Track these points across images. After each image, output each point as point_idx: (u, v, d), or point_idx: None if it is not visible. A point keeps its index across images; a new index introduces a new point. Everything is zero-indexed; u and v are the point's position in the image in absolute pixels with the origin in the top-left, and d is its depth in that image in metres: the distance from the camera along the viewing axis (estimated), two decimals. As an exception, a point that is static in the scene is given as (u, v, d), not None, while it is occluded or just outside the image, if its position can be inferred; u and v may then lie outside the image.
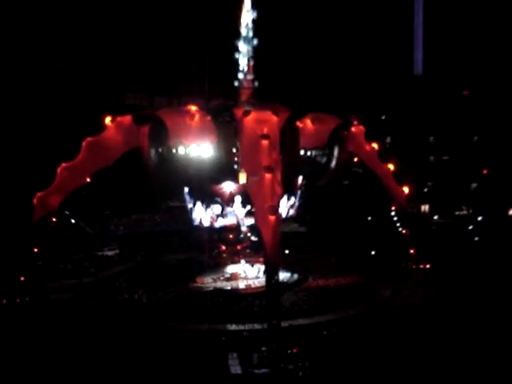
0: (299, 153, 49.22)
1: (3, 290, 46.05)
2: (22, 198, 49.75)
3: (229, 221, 52.15)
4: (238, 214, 51.58)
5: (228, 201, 50.57)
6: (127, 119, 47.81)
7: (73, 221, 57.47)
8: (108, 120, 47.68)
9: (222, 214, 51.59)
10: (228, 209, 51.52)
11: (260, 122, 45.08)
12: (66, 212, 50.11)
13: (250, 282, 51.42)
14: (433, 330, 39.03)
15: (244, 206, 50.99)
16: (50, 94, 73.74)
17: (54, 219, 47.59)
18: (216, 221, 51.93)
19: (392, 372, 33.94)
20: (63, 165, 46.83)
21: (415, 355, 35.51)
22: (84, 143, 47.08)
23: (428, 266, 54.07)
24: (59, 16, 74.96)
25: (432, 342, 37.22)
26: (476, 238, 65.95)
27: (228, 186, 50.14)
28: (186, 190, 52.86)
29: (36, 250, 46.69)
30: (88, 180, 47.49)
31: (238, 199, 50.74)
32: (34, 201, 46.34)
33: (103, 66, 79.94)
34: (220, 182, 50.46)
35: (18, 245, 51.03)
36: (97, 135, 47.45)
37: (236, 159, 48.30)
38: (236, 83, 52.94)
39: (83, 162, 47.12)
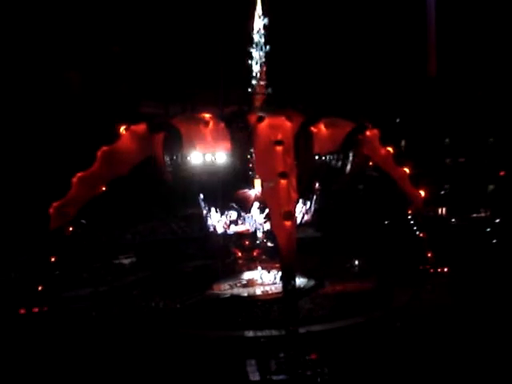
0: (314, 158, 49.08)
1: (21, 299, 46.32)
2: (38, 208, 50.06)
3: (241, 227, 52.17)
4: (255, 220, 51.62)
5: (252, 206, 50.66)
6: (141, 127, 47.95)
7: (88, 228, 57.71)
8: (122, 129, 47.89)
9: (235, 221, 51.65)
10: (246, 215, 51.60)
11: (274, 127, 44.98)
12: (83, 221, 50.23)
13: (267, 288, 51.33)
14: (452, 336, 38.64)
15: (262, 211, 51.01)
16: (64, 103, 74.34)
17: (70, 228, 47.78)
18: (229, 227, 52.00)
19: (411, 379, 33.64)
20: (79, 174, 47.04)
21: (435, 362, 35.17)
22: (99, 152, 47.28)
23: (446, 270, 53.62)
24: (72, 24, 75.58)
25: (452, 348, 36.86)
26: (494, 241, 65.27)
27: (252, 191, 50.19)
28: (202, 196, 53.03)
29: (53, 259, 46.86)
30: (104, 189, 47.73)
31: (255, 205, 50.79)
32: (51, 210, 46.59)
33: (117, 74, 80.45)
34: (236, 188, 50.54)
35: (35, 254, 51.43)
36: (111, 144, 47.67)
37: (250, 165, 48.35)
38: (249, 89, 53.11)
39: (99, 171, 47.26)
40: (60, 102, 74.18)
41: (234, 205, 51.25)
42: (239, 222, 51.85)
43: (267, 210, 50.02)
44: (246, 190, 50.36)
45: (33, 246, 56.64)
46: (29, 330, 42.12)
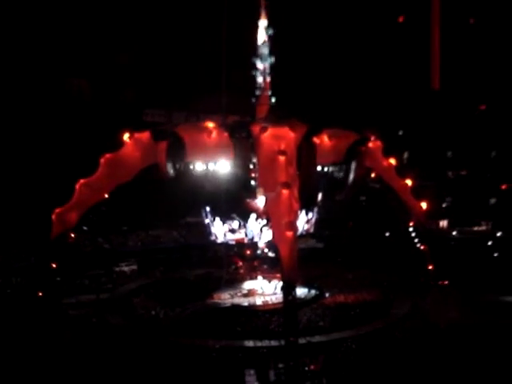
0: (316, 168, 49.13)
1: (21, 305, 46.37)
2: (40, 214, 50.16)
3: (237, 236, 52.05)
4: (252, 230, 51.52)
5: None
6: (145, 135, 48.10)
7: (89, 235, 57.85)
8: (126, 136, 48.03)
9: (233, 229, 51.61)
10: (247, 224, 51.55)
11: (277, 138, 45.01)
12: (84, 228, 50.29)
13: (267, 298, 51.28)
14: (453, 348, 38.56)
15: (260, 221, 50.96)
16: (68, 110, 74.61)
17: (72, 235, 47.86)
18: (225, 236, 51.96)
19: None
20: (81, 181, 47.15)
21: (434, 373, 35.09)
22: (102, 160, 47.41)
23: (447, 283, 53.60)
24: (76, 32, 75.93)
25: (451, 359, 36.79)
26: (495, 254, 65.20)
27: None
28: (207, 207, 52.94)
29: (54, 265, 46.91)
30: (106, 196, 47.81)
31: (252, 215, 50.73)
32: (53, 217, 46.68)
33: (120, 82, 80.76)
34: (238, 197, 50.50)
35: (36, 260, 51.41)
36: (115, 152, 47.80)
37: (253, 175, 48.38)
38: (253, 100, 53.22)
39: (101, 179, 47.40)
40: (66, 109, 74.46)
41: (235, 215, 51.21)
42: (240, 231, 51.77)
43: (264, 221, 50.31)
44: (255, 201, 50.26)
45: (34, 251, 56.80)
46: (29, 333, 42.12)
